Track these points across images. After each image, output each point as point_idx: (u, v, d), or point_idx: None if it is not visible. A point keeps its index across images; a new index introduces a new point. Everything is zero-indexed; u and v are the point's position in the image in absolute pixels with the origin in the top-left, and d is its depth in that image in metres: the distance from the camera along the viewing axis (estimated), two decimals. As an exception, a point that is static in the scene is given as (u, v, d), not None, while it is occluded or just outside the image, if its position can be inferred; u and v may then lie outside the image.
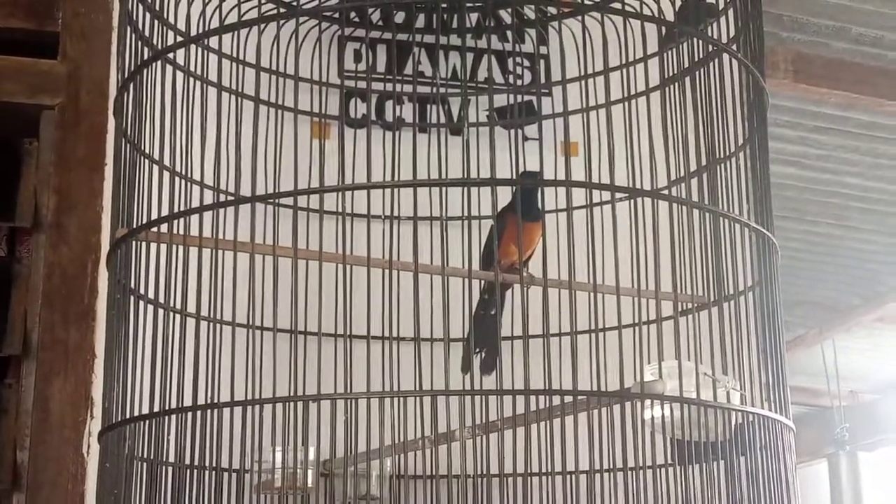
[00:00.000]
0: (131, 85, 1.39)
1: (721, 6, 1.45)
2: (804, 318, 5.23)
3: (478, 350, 1.56)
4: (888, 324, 5.28)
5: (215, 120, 1.32)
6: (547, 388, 1.16)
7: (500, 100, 1.89)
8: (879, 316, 5.14)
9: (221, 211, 1.26)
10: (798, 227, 4.27)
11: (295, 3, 1.62)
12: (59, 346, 1.76)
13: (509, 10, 1.73)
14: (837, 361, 5.62)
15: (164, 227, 1.29)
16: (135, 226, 1.33)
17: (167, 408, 1.23)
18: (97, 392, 1.71)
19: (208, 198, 1.35)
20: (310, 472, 1.37)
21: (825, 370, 5.66)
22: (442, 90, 1.88)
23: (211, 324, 1.23)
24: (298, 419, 1.16)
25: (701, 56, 1.42)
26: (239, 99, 1.40)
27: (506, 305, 1.56)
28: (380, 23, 1.82)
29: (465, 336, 1.54)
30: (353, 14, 1.78)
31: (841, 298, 5.09)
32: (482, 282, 1.62)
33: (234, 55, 1.47)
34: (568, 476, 1.16)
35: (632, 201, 1.24)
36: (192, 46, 1.38)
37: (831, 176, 3.91)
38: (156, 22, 1.43)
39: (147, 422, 1.24)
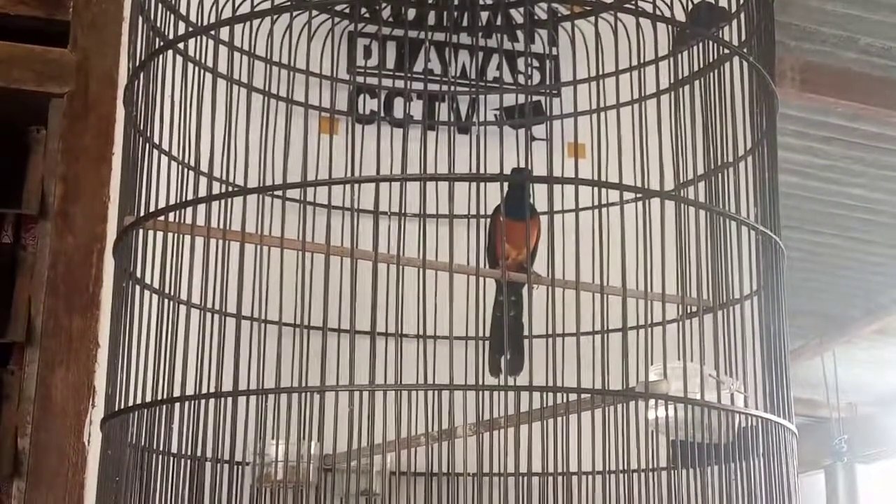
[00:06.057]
0: (141, 75, 1.39)
1: (733, 10, 1.45)
2: (804, 329, 5.23)
3: (503, 353, 1.54)
4: (889, 336, 5.28)
5: (224, 111, 1.32)
6: (551, 385, 1.16)
7: (509, 99, 1.89)
8: (880, 328, 5.14)
9: (229, 202, 1.25)
10: (801, 236, 4.27)
11: (307, -2, 1.62)
12: (63, 334, 1.76)
13: (521, 9, 1.73)
14: (837, 373, 5.62)
15: (171, 218, 1.29)
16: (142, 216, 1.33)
17: (170, 396, 1.23)
18: (99, 381, 1.72)
19: (217, 190, 1.35)
20: (312, 466, 1.37)
21: (824, 381, 5.67)
22: (452, 88, 1.88)
23: (216, 315, 1.23)
24: (303, 412, 1.16)
25: (712, 59, 1.42)
26: (249, 91, 1.40)
27: (523, 305, 1.54)
28: (391, 19, 1.82)
29: (490, 339, 1.54)
30: (363, 10, 1.78)
31: (842, 309, 5.09)
32: (496, 283, 1.59)
33: (245, 48, 1.47)
34: (571, 476, 1.15)
35: (639, 203, 1.24)
36: (203, 37, 1.38)
37: (836, 186, 3.91)
38: (167, 12, 1.43)
39: (149, 410, 1.24)
